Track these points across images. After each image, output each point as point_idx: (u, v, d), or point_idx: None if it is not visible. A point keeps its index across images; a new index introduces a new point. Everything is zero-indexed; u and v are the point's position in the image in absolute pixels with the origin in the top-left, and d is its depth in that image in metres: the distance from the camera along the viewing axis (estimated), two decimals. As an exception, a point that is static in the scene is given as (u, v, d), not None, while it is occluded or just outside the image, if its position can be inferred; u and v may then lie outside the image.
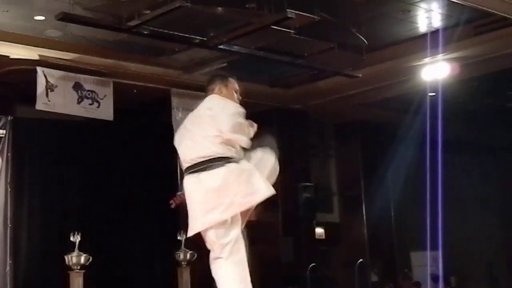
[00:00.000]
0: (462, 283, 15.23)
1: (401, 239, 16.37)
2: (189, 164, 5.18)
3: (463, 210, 16.37)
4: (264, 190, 5.07)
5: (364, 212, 15.32)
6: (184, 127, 5.38)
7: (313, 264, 13.20)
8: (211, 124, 5.14)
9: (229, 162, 5.06)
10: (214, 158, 5.07)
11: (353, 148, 15.67)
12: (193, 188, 5.13)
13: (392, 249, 16.14)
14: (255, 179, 5.08)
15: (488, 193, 18.50)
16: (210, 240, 5.09)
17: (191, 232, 5.13)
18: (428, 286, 14.63)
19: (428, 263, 14.57)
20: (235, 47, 11.52)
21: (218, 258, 5.10)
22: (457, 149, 14.77)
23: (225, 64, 12.31)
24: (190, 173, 5.15)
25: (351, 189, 16.03)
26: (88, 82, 11.80)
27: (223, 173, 5.03)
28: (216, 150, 5.09)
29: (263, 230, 15.08)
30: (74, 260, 10.99)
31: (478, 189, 17.97)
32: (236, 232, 5.11)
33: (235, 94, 5.58)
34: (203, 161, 5.10)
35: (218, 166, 5.05)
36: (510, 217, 18.55)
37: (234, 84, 5.64)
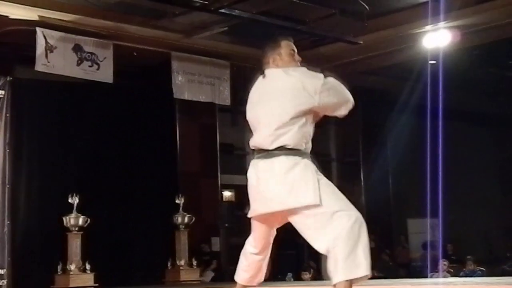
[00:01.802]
0: (458, 251, 15.31)
1: (398, 206, 16.45)
2: None
3: (461, 178, 16.40)
4: None
5: (362, 179, 15.37)
6: None
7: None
8: None
9: None
10: None
11: (353, 115, 15.63)
12: None
13: (389, 215, 16.23)
14: None
15: (487, 161, 18.54)
16: None
17: None
18: (428, 253, 14.72)
19: (428, 230, 14.68)
20: (236, 11, 11.46)
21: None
22: (457, 117, 14.76)
23: (225, 29, 12.27)
24: None
25: (350, 156, 16.06)
26: (88, 44, 11.76)
27: None
28: None
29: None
30: (72, 221, 11.06)
31: (477, 157, 18.00)
32: None
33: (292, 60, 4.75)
34: None
35: None
36: (507, 186, 18.61)
37: (287, 47, 4.78)
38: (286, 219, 4.57)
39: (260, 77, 4.80)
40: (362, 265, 4.27)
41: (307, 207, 4.38)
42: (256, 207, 4.60)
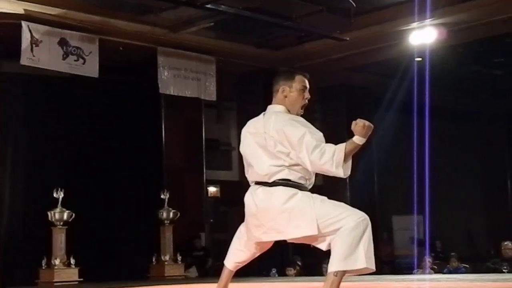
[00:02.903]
0: (442, 248, 15.38)
1: (383, 203, 16.49)
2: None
3: (445, 175, 16.48)
4: None
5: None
6: None
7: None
8: None
9: None
10: None
11: (338, 111, 15.67)
12: None
13: (374, 212, 16.25)
14: None
15: (471, 159, 18.63)
16: None
17: None
18: (415, 250, 14.78)
19: (413, 227, 14.73)
20: (222, 6, 11.45)
21: None
22: (442, 114, 14.80)
23: (212, 24, 12.26)
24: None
25: (335, 153, 16.03)
26: (74, 38, 11.71)
27: None
28: None
29: (247, 191, 15.16)
30: (57, 216, 11.02)
31: (461, 155, 18.08)
32: None
33: (300, 95, 4.76)
34: None
35: None
36: (490, 184, 18.72)
37: (300, 82, 4.78)
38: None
39: (261, 114, 4.81)
40: (361, 258, 4.42)
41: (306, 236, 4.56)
42: (257, 235, 4.73)
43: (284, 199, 4.55)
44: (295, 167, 4.59)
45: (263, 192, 4.63)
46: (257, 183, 4.69)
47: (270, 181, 4.60)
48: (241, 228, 4.93)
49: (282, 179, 4.58)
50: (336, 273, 4.41)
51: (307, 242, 4.68)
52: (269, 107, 4.80)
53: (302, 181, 4.63)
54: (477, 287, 6.46)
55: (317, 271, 12.37)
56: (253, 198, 4.68)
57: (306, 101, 4.80)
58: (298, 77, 4.78)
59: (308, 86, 4.81)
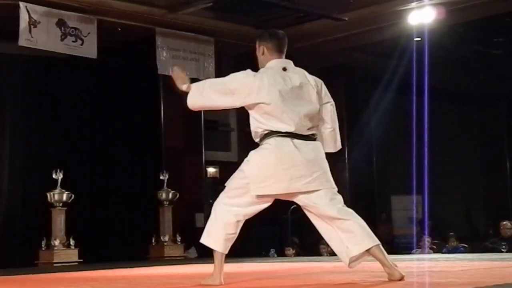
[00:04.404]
0: (440, 228, 15.41)
1: (382, 184, 16.52)
2: None
3: (444, 156, 16.49)
4: None
5: (346, 156, 15.39)
6: None
7: (294, 206, 13.33)
8: None
9: None
10: None
11: (336, 92, 15.61)
12: None
13: (373, 193, 16.29)
14: None
15: (469, 139, 18.64)
16: None
17: None
18: (414, 230, 14.84)
19: (413, 206, 14.76)
20: (220, -14, 11.41)
21: None
22: (441, 95, 14.79)
23: (210, 4, 12.21)
24: None
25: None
26: (72, 19, 11.67)
27: None
28: None
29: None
30: (56, 197, 11.06)
31: (460, 135, 18.09)
32: None
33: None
34: None
35: None
36: (489, 165, 18.73)
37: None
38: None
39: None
40: (373, 234, 4.72)
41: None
42: (298, 186, 4.81)
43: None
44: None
45: (306, 145, 4.87)
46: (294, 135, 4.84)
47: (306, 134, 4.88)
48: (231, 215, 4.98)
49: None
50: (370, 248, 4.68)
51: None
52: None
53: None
54: (475, 266, 6.48)
55: (316, 251, 12.42)
56: (298, 150, 4.81)
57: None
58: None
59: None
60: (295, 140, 4.81)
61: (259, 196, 4.85)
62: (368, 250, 4.67)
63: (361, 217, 4.78)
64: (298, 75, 5.00)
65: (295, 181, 4.76)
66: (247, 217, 4.99)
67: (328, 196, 4.80)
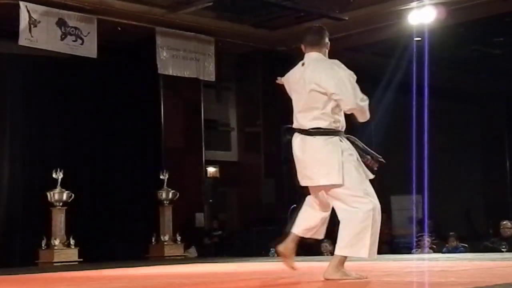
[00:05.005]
0: (440, 228, 15.40)
1: (382, 183, 16.49)
2: None
3: (444, 156, 16.48)
4: None
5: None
6: None
7: (294, 205, 13.32)
8: None
9: None
10: None
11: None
12: None
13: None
14: None
15: (469, 139, 18.63)
16: None
17: None
18: (414, 229, 14.81)
19: (411, 207, 14.74)
20: (220, -14, 11.41)
21: None
22: (441, 94, 14.78)
23: (210, 4, 12.20)
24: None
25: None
26: (72, 19, 11.68)
27: None
28: None
29: (245, 171, 15.14)
30: (57, 196, 11.06)
31: (460, 135, 18.08)
32: None
33: None
34: None
35: None
36: (489, 163, 18.73)
37: None
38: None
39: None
40: (365, 248, 4.76)
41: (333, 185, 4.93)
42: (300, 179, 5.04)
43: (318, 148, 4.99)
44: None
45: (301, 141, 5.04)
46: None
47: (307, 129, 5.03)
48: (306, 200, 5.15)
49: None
50: (341, 257, 4.78)
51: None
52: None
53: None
54: (476, 266, 6.48)
55: (316, 250, 12.41)
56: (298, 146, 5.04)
57: None
58: None
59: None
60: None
61: None
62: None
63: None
64: (310, 69, 5.19)
65: None
66: None
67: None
